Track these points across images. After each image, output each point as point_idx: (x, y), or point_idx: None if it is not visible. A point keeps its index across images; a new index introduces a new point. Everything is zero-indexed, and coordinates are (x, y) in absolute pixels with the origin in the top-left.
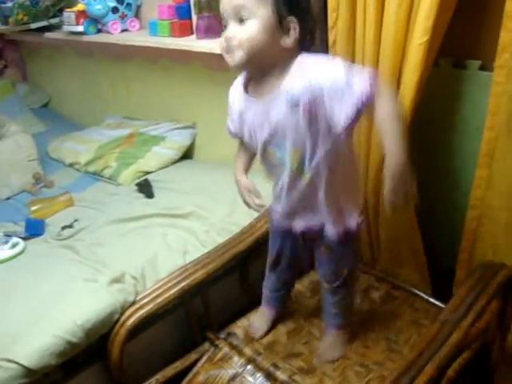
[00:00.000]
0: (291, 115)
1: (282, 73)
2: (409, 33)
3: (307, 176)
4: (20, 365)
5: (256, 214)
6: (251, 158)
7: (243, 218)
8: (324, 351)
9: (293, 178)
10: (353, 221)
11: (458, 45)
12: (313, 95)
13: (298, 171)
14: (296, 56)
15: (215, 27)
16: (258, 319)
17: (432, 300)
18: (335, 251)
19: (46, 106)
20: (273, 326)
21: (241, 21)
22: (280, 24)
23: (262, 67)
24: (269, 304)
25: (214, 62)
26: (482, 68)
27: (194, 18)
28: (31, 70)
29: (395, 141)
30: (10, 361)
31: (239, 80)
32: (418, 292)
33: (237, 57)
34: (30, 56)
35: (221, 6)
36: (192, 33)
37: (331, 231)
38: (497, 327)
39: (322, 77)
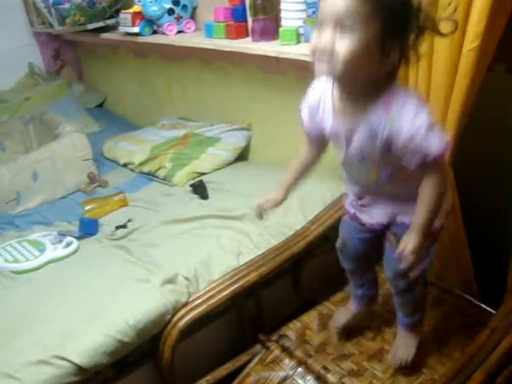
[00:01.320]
0: (371, 142)
1: (368, 98)
2: (463, 38)
3: (383, 186)
4: (72, 363)
5: (310, 217)
6: (306, 172)
7: (297, 220)
8: (395, 352)
9: (368, 184)
10: None
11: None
12: (390, 134)
13: (374, 181)
14: (385, 84)
15: (270, 30)
16: (342, 311)
17: (482, 305)
18: None
19: (101, 105)
20: (325, 327)
21: (343, 30)
22: (382, 45)
23: (350, 85)
24: (353, 299)
25: (269, 64)
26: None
27: (250, 20)
28: (87, 69)
29: (424, 216)
30: (62, 358)
31: (328, 83)
32: (468, 297)
33: (330, 68)
34: (86, 56)
35: (321, 9)
36: (248, 35)
37: (406, 219)
38: None
39: (405, 124)
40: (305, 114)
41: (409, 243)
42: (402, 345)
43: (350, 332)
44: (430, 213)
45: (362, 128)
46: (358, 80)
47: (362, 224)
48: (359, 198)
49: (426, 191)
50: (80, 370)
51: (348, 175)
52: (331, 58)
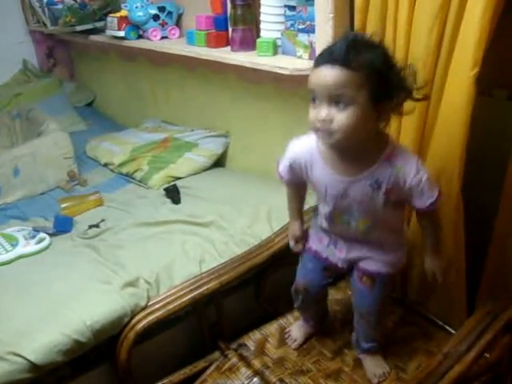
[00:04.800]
0: (371, 195)
1: (368, 154)
2: (440, 60)
3: (368, 233)
4: (26, 359)
5: (277, 228)
6: (303, 201)
7: (263, 230)
8: (373, 373)
9: (350, 233)
10: (396, 258)
11: (486, 73)
12: (396, 183)
13: (360, 230)
14: (383, 140)
15: (249, 40)
16: (296, 330)
17: (447, 327)
18: (377, 284)
19: (90, 104)
20: (286, 342)
21: (337, 104)
22: (376, 107)
23: (348, 147)
24: (304, 319)
25: (248, 74)
26: (510, 98)
27: (231, 29)
28: (79, 69)
29: (436, 239)
30: (16, 355)
31: (312, 142)
32: (433, 318)
33: (333, 139)
34: (79, 56)
35: (311, 83)
36: (228, 44)
37: (377, 263)
38: (510, 361)
39: (410, 173)
40: (285, 167)
41: (436, 268)
42: (375, 365)
43: (310, 350)
44: (438, 236)
45: (363, 182)
46: (356, 141)
47: (330, 266)
48: (335, 242)
49: (431, 223)
50: (34, 367)
51: (328, 224)
52: (331, 131)
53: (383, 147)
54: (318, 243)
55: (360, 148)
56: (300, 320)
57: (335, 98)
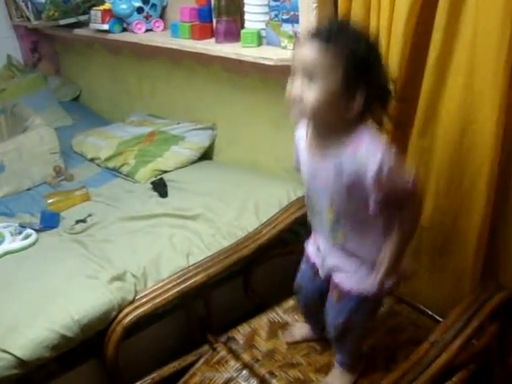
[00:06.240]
0: (335, 180)
1: (339, 139)
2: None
3: (340, 231)
4: (13, 355)
5: (264, 219)
6: None
7: (250, 222)
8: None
9: (327, 228)
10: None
11: None
12: (357, 174)
13: (333, 224)
14: (355, 125)
15: (234, 31)
16: (297, 328)
17: (436, 316)
18: (345, 301)
19: (76, 99)
20: (275, 335)
21: (309, 79)
22: (347, 91)
23: (322, 127)
24: (305, 320)
25: (233, 66)
26: None
27: (215, 21)
28: (64, 63)
29: (389, 258)
30: (3, 351)
31: (304, 125)
32: (422, 308)
33: (299, 114)
34: (64, 50)
35: (293, 58)
36: (213, 35)
37: (349, 279)
38: (498, 349)
39: (371, 164)
40: (294, 154)
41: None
42: (336, 380)
43: (300, 343)
44: (396, 254)
45: (330, 165)
46: (327, 122)
47: (317, 273)
48: (318, 247)
49: (399, 229)
50: (21, 363)
51: (311, 221)
52: (301, 105)
53: (352, 135)
54: (311, 245)
55: (330, 130)
56: (303, 321)
57: (308, 73)
